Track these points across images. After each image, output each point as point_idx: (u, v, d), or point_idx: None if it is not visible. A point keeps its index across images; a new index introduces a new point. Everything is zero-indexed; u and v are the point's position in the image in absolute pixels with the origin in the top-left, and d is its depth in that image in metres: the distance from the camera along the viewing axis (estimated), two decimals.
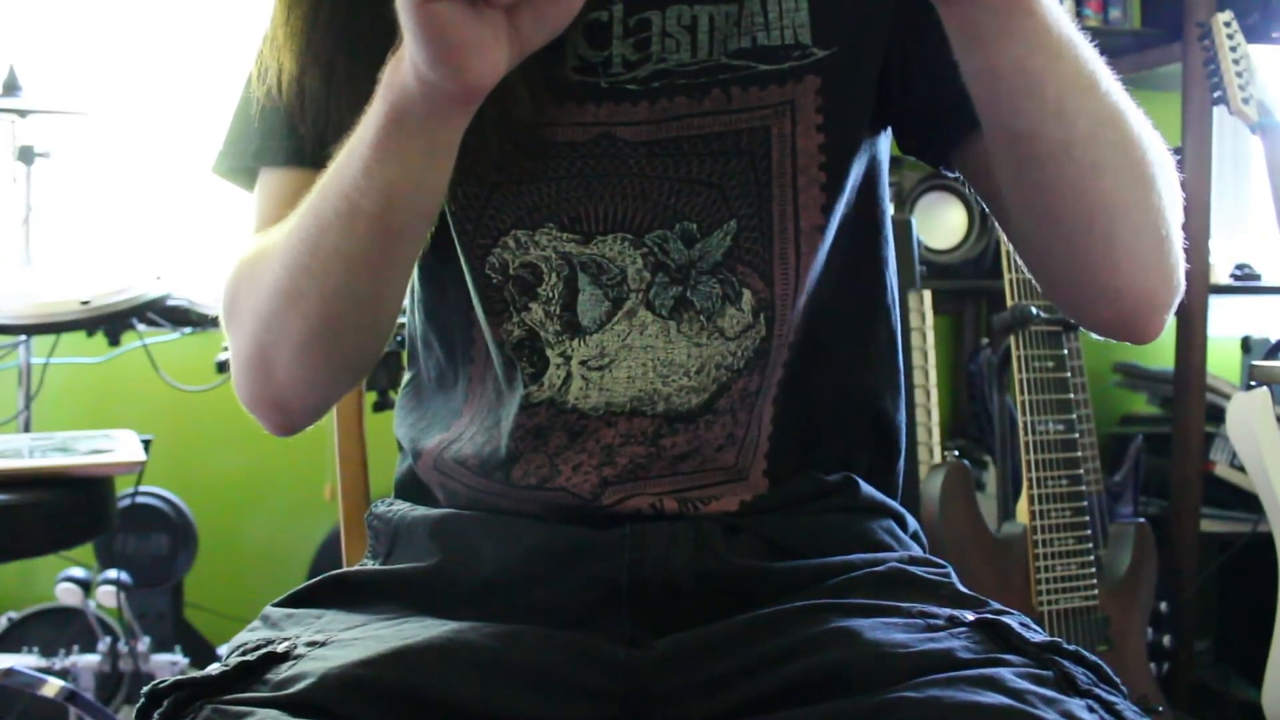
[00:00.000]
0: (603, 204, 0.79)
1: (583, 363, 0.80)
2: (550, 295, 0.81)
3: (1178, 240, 0.76)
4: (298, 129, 0.82)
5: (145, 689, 0.70)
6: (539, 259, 0.80)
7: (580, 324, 0.80)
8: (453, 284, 0.85)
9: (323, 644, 0.73)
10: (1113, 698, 0.66)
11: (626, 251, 0.80)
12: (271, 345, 0.78)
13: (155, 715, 0.68)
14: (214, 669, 0.70)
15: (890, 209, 0.90)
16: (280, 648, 0.72)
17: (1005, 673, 0.65)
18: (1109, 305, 0.76)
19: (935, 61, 0.79)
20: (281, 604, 0.82)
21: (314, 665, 0.69)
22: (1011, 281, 2.02)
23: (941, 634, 0.70)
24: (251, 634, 0.77)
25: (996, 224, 0.85)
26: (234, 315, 0.82)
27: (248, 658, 0.71)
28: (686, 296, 0.80)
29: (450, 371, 0.87)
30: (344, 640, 0.73)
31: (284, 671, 0.69)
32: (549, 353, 0.81)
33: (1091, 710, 0.64)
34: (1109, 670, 0.70)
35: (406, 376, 0.93)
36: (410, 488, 0.89)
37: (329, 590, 0.82)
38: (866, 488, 0.84)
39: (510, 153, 0.78)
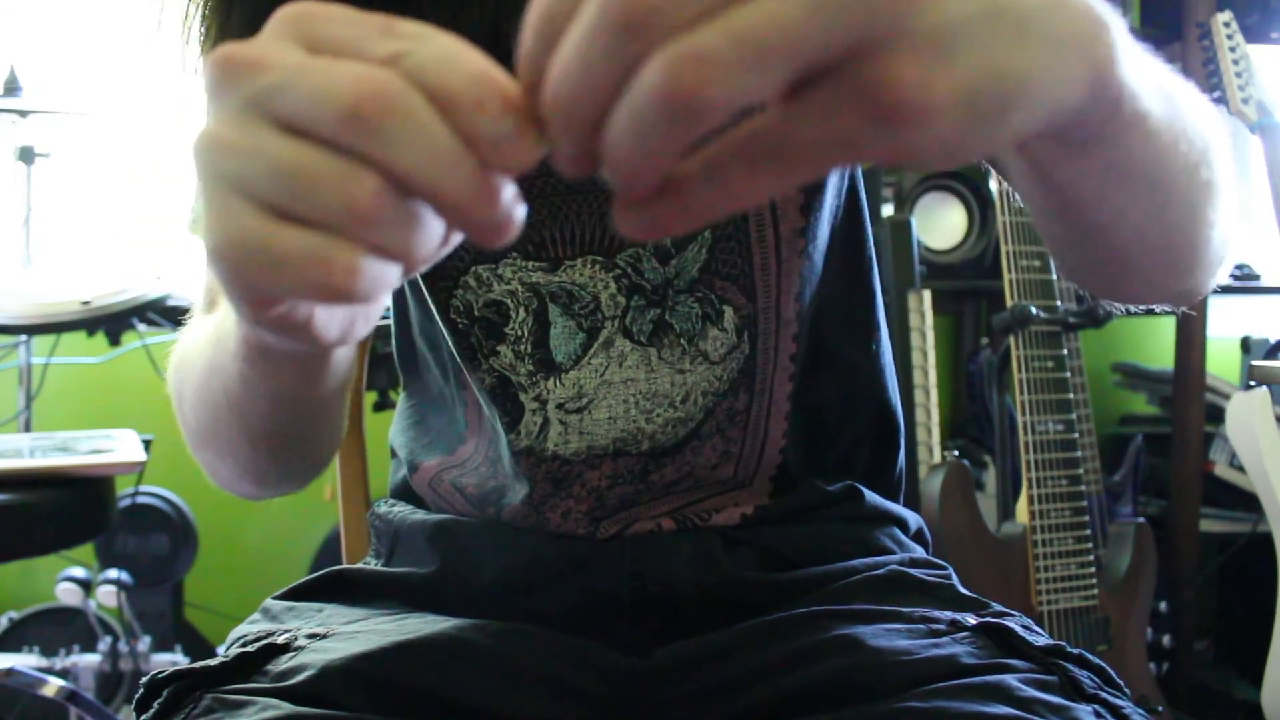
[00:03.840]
0: (568, 225, 0.74)
1: (559, 405, 0.76)
2: (519, 334, 0.76)
3: (1231, 235, 0.66)
4: None
5: (144, 679, 0.69)
6: (504, 294, 0.75)
7: (554, 361, 0.76)
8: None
9: (324, 636, 0.72)
10: (1119, 701, 0.66)
11: (598, 275, 0.74)
12: (206, 467, 0.74)
13: (154, 706, 0.68)
14: (213, 660, 0.70)
15: (865, 199, 0.87)
16: (281, 639, 0.71)
17: (1011, 680, 0.65)
18: (1141, 302, 0.71)
19: None
20: (282, 597, 0.81)
21: (314, 657, 0.69)
22: (1011, 281, 2.02)
23: (944, 639, 0.70)
24: (252, 626, 0.77)
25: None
26: (176, 410, 0.75)
27: (248, 649, 0.71)
28: (665, 319, 0.75)
29: (448, 394, 0.85)
30: (345, 633, 0.73)
31: (284, 663, 0.69)
32: (523, 398, 0.76)
33: (1098, 715, 0.64)
34: (1113, 673, 0.69)
35: (405, 386, 0.90)
36: (405, 495, 0.88)
37: (330, 585, 0.82)
38: (870, 496, 0.83)
39: None
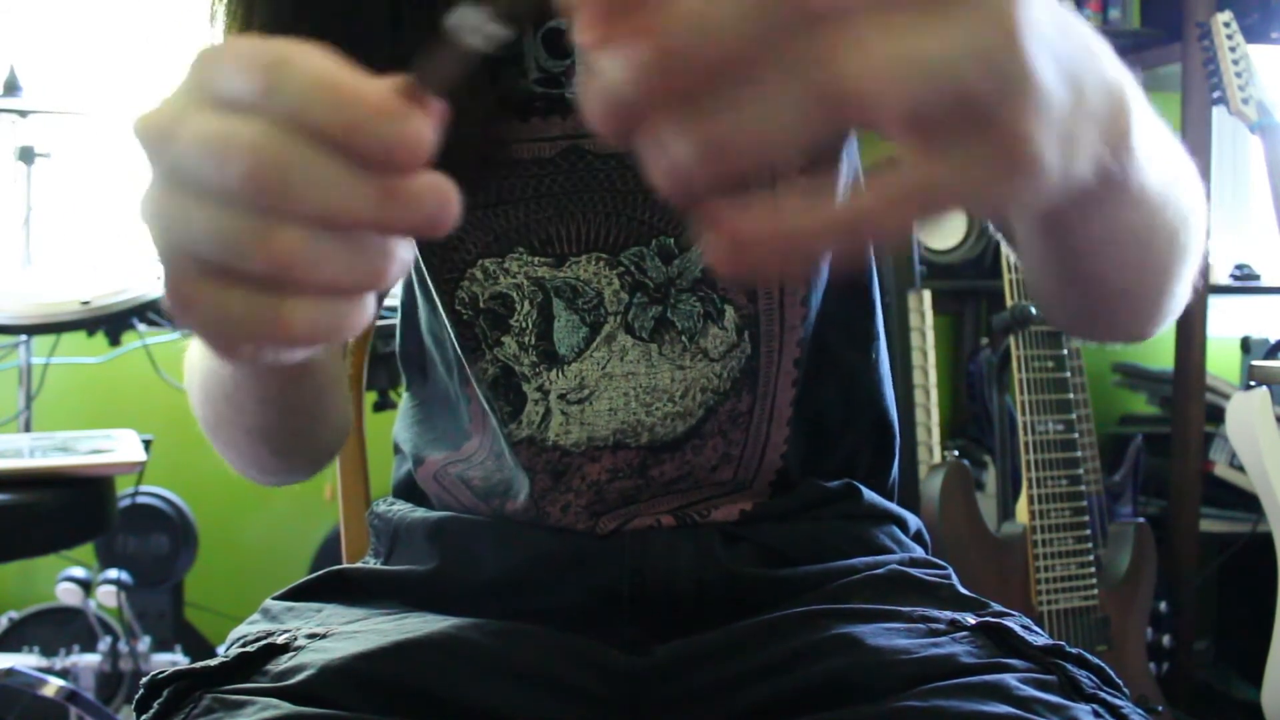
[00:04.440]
0: (574, 223, 0.75)
1: (561, 396, 0.77)
2: (524, 325, 0.77)
3: (1191, 278, 0.69)
4: None
5: (144, 679, 0.69)
6: (510, 287, 0.77)
7: (557, 353, 0.77)
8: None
9: (323, 636, 0.72)
10: (1118, 701, 0.66)
11: (602, 272, 0.76)
12: (221, 455, 0.77)
13: (154, 706, 0.68)
14: (213, 660, 0.70)
15: None
16: (280, 639, 0.71)
17: (1009, 679, 0.65)
18: (1106, 337, 0.77)
19: None
20: (282, 597, 0.81)
21: (314, 657, 0.69)
22: (1011, 281, 2.03)
23: (943, 639, 0.70)
24: (251, 626, 0.77)
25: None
26: (192, 409, 0.78)
27: (248, 649, 0.71)
28: (667, 316, 0.76)
29: (452, 391, 0.85)
30: (345, 633, 0.73)
31: (284, 663, 0.69)
32: (525, 388, 0.78)
33: (1097, 715, 0.64)
34: (1112, 673, 0.69)
35: (410, 383, 0.91)
36: (408, 492, 0.89)
37: (330, 584, 0.82)
38: (869, 494, 0.83)
39: (472, 178, 0.72)
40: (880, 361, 0.87)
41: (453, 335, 0.79)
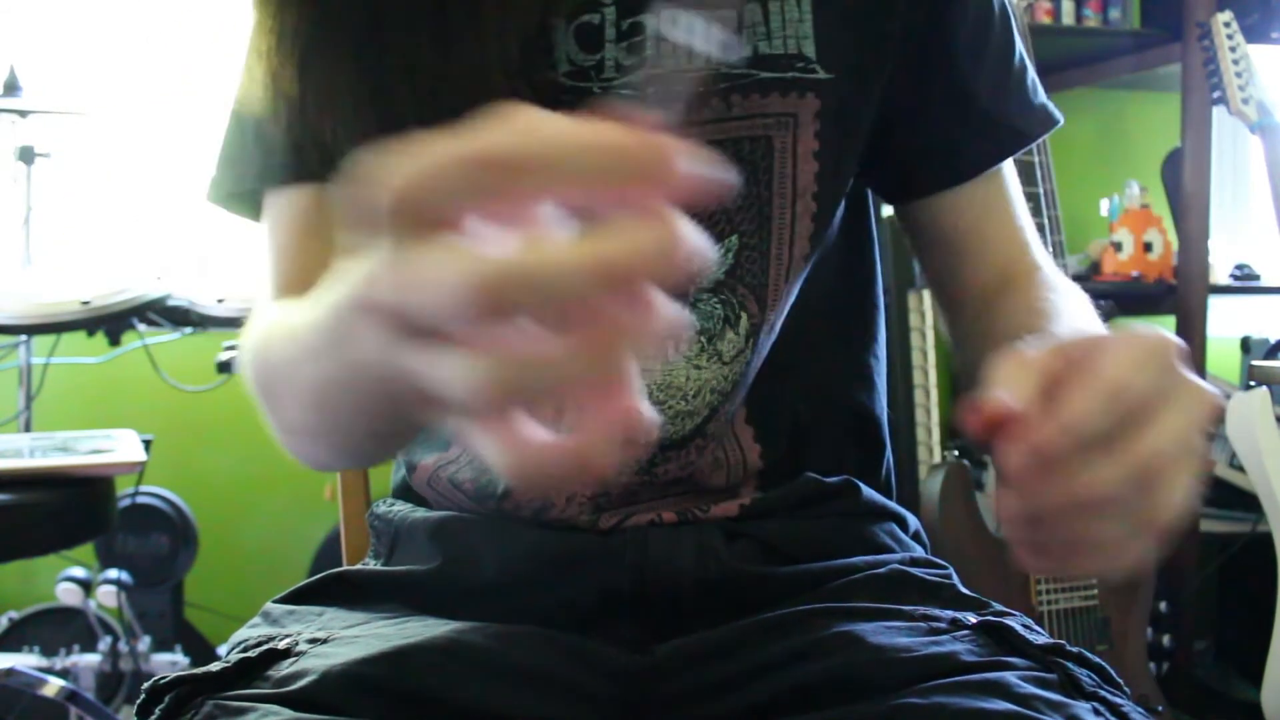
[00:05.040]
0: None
1: None
2: None
3: None
4: (299, 141, 0.76)
5: (146, 685, 0.69)
6: None
7: None
8: None
9: (324, 641, 0.72)
10: (1118, 699, 0.66)
11: None
12: (304, 458, 0.71)
13: (156, 711, 0.68)
14: (215, 665, 0.70)
15: (874, 225, 0.90)
16: (281, 644, 0.71)
17: (1010, 677, 0.65)
18: None
19: (925, 110, 0.82)
20: (283, 600, 0.81)
21: (315, 662, 0.69)
22: None
23: (944, 637, 0.70)
24: (253, 630, 0.77)
25: (928, 283, 0.91)
26: (263, 403, 0.70)
27: (249, 654, 0.71)
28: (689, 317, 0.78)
29: None
30: (346, 638, 0.73)
31: (285, 668, 0.69)
32: None
33: (1097, 713, 0.64)
34: (1112, 672, 0.70)
35: None
36: (408, 493, 0.88)
37: (331, 587, 0.82)
38: (868, 491, 0.83)
39: None
40: (869, 358, 0.88)
41: None
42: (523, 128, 0.37)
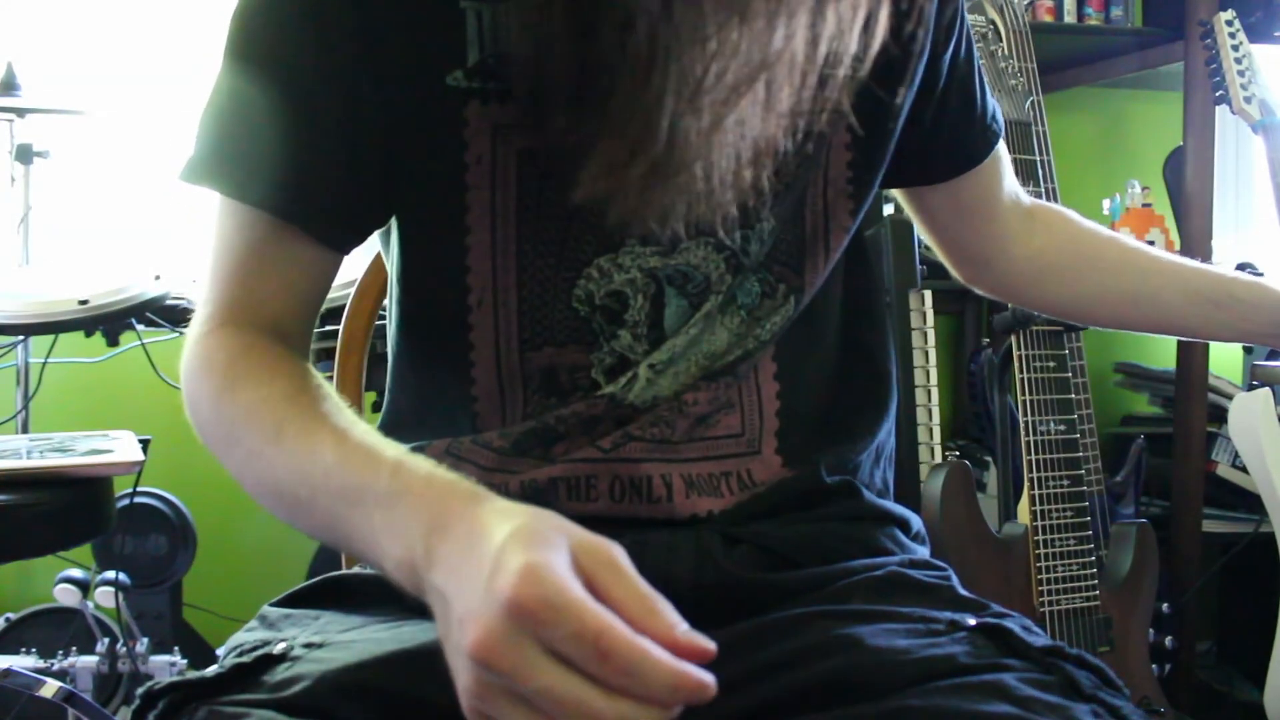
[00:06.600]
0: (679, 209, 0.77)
1: (651, 365, 0.80)
2: (638, 319, 0.80)
3: None
4: (274, 166, 0.78)
5: (140, 690, 0.69)
6: (624, 284, 0.79)
7: (664, 334, 0.80)
8: (439, 335, 0.82)
9: (320, 646, 0.72)
10: (1117, 701, 0.66)
11: (710, 256, 0.80)
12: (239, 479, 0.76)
13: (150, 717, 0.68)
14: (210, 671, 0.70)
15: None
16: (277, 649, 0.71)
17: (1009, 679, 0.65)
18: None
19: (947, 103, 0.91)
20: (279, 604, 0.81)
21: (310, 667, 0.68)
22: None
23: (943, 639, 0.70)
24: (249, 634, 0.77)
25: (934, 246, 1.04)
26: (212, 447, 0.77)
27: (244, 659, 0.71)
28: (733, 293, 0.81)
29: (451, 393, 0.83)
30: (341, 642, 0.73)
31: (280, 673, 0.69)
32: (629, 361, 0.81)
33: (1096, 715, 0.64)
34: (1111, 673, 0.69)
35: (391, 390, 0.89)
36: None
37: (327, 591, 0.82)
38: (868, 495, 0.83)
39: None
40: (877, 322, 0.91)
41: (556, 331, 0.80)
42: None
